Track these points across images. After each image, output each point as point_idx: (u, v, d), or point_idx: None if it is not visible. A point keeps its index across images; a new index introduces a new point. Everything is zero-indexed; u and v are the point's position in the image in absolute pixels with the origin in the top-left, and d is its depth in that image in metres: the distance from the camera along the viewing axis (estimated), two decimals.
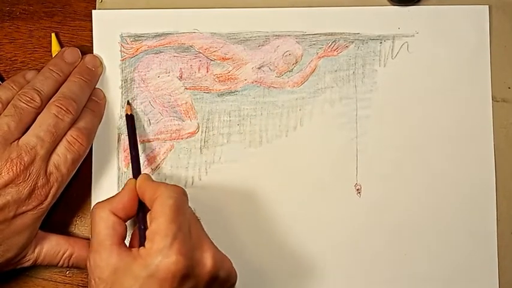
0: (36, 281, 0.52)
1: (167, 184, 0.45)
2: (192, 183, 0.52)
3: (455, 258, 0.52)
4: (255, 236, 0.52)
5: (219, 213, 0.52)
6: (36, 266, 0.51)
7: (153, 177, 0.52)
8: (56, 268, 0.52)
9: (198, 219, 0.45)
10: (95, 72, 0.51)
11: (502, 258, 0.52)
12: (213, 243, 0.44)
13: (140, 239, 0.44)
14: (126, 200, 0.45)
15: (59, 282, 0.52)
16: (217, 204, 0.52)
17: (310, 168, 0.53)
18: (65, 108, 0.47)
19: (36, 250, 0.48)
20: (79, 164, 0.49)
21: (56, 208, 0.51)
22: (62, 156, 0.47)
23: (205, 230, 0.45)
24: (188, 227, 0.43)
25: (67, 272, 0.52)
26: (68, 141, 0.47)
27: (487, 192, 0.53)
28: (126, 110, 0.52)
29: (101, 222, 0.43)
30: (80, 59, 0.51)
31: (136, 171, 0.48)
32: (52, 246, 0.48)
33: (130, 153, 0.49)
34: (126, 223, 0.45)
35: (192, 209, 0.46)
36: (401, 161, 0.53)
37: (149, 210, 0.44)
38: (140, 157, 0.52)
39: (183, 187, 0.50)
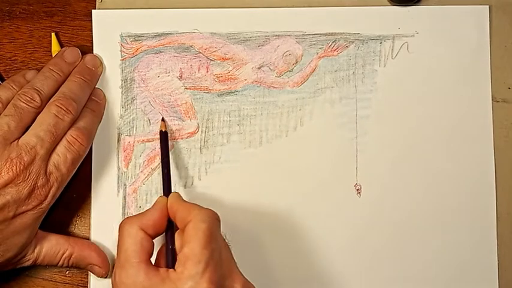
0: (36, 281, 0.52)
1: (200, 207, 0.43)
2: (192, 183, 0.52)
3: (455, 258, 0.52)
4: (255, 236, 0.52)
5: (218, 213, 0.52)
6: (36, 266, 0.51)
7: (153, 177, 0.52)
8: (56, 268, 0.52)
9: (229, 246, 0.44)
10: (95, 72, 0.51)
11: (502, 258, 0.52)
12: (240, 272, 0.43)
13: (167, 258, 0.43)
14: (156, 217, 0.44)
15: (59, 282, 0.52)
16: (217, 204, 0.52)
17: (310, 168, 0.53)
18: (65, 108, 0.47)
19: (36, 250, 0.48)
20: (79, 164, 0.49)
21: (56, 208, 0.51)
22: (62, 156, 0.47)
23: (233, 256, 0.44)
24: (219, 253, 0.42)
25: (67, 272, 0.52)
26: (68, 141, 0.47)
27: (487, 192, 0.53)
28: (160, 127, 0.51)
29: (129, 238, 0.43)
30: (80, 59, 0.51)
31: (167, 188, 0.47)
32: (52, 246, 0.48)
33: (162, 170, 0.48)
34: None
35: (223, 234, 0.45)
36: (401, 161, 0.53)
37: (177, 229, 0.43)
38: (140, 157, 0.52)
39: (183, 187, 0.50)
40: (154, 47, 0.53)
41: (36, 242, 0.48)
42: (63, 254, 0.49)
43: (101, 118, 0.52)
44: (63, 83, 0.49)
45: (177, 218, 0.44)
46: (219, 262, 0.41)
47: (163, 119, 0.52)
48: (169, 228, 0.45)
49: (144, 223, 0.43)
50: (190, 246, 0.41)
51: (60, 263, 0.49)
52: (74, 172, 0.48)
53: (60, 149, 0.47)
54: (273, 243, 0.52)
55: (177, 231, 0.43)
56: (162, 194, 0.47)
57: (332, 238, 0.52)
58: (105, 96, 0.52)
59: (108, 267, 0.50)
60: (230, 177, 0.52)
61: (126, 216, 0.51)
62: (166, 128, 0.51)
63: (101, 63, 0.52)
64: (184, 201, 0.45)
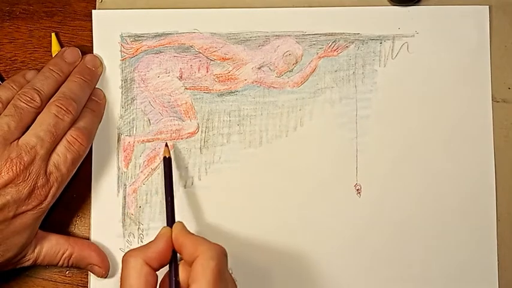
0: (36, 281, 0.52)
1: (208, 242, 0.42)
2: (192, 183, 0.52)
3: (455, 258, 0.52)
4: (255, 236, 0.52)
5: (218, 213, 0.52)
6: (36, 266, 0.51)
7: (153, 177, 0.52)
8: (55, 268, 0.52)
9: (235, 283, 0.44)
10: (95, 72, 0.51)
11: (502, 258, 0.52)
12: None
13: None
14: (161, 249, 0.43)
15: (59, 282, 0.52)
16: (217, 204, 0.52)
17: (310, 168, 0.53)
18: (65, 108, 0.47)
19: (36, 250, 0.48)
20: (79, 164, 0.49)
21: (56, 208, 0.51)
22: (62, 156, 0.47)
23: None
24: None
25: (67, 272, 0.52)
26: (68, 141, 0.47)
27: (487, 192, 0.53)
28: (164, 152, 0.50)
29: (133, 272, 0.42)
30: (80, 59, 0.51)
31: (170, 218, 0.46)
32: (52, 246, 0.48)
33: (166, 198, 0.47)
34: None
35: (230, 270, 0.44)
36: (401, 161, 0.53)
37: (181, 259, 0.43)
38: (140, 157, 0.52)
39: (183, 187, 0.50)
40: (154, 47, 0.53)
41: (36, 242, 0.48)
42: (63, 254, 0.49)
43: (101, 118, 0.52)
44: (63, 83, 0.49)
45: (184, 252, 0.43)
46: None
47: (166, 145, 0.51)
48: (174, 259, 0.44)
49: (149, 256, 0.42)
50: (198, 284, 0.40)
51: (60, 263, 0.49)
52: (74, 172, 0.48)
53: (60, 149, 0.47)
54: (273, 243, 0.52)
55: (181, 262, 0.43)
56: (166, 225, 0.45)
57: (332, 238, 0.52)
58: (105, 96, 0.52)
59: (108, 267, 0.50)
60: (230, 177, 0.52)
61: (126, 217, 0.51)
62: (170, 153, 0.50)
63: (101, 63, 0.52)
64: (190, 233, 0.44)
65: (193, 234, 0.44)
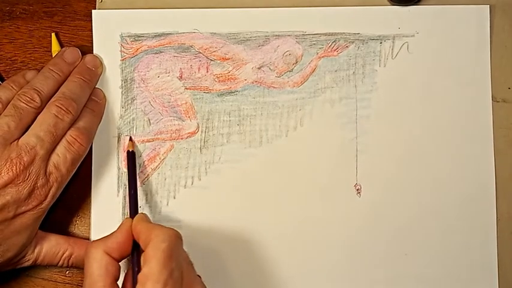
0: (36, 281, 0.52)
1: (162, 227, 0.43)
2: (192, 183, 0.52)
3: (455, 258, 0.52)
4: (255, 235, 0.52)
5: (218, 213, 0.52)
6: (36, 266, 0.51)
7: (153, 177, 0.52)
8: (56, 268, 0.52)
9: (191, 264, 0.44)
10: (95, 72, 0.51)
11: (502, 258, 0.52)
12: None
13: (133, 281, 0.43)
14: (120, 240, 0.44)
15: (59, 282, 0.52)
16: (217, 204, 0.52)
17: (310, 168, 0.53)
18: (64, 108, 0.47)
19: (36, 250, 0.48)
20: (79, 164, 0.49)
21: (56, 208, 0.51)
22: (62, 156, 0.47)
23: (198, 272, 0.44)
24: (180, 272, 0.42)
25: (67, 272, 0.52)
26: (68, 141, 0.47)
27: (487, 192, 0.53)
28: (128, 146, 0.51)
29: (94, 262, 0.43)
30: (80, 59, 0.51)
31: (133, 210, 0.47)
32: (52, 246, 0.48)
33: (129, 191, 0.48)
34: (120, 263, 0.44)
35: (186, 252, 0.44)
36: (401, 161, 0.53)
37: (143, 251, 0.43)
38: (140, 157, 0.52)
39: (183, 187, 0.50)
40: (154, 47, 0.53)
41: (36, 242, 0.48)
42: (63, 254, 0.49)
43: (101, 118, 0.52)
44: (63, 83, 0.49)
45: (141, 239, 0.43)
46: (179, 281, 0.41)
47: (131, 139, 0.52)
48: (135, 250, 0.45)
49: (109, 246, 0.43)
50: (150, 266, 0.40)
51: (60, 263, 0.49)
52: (73, 172, 0.48)
53: (60, 149, 0.47)
54: (273, 243, 0.52)
55: (143, 253, 0.43)
56: (128, 216, 0.47)
57: (332, 238, 0.52)
58: (105, 96, 0.52)
59: None
60: (230, 177, 0.52)
61: (125, 217, 0.51)
62: (133, 147, 0.51)
63: (101, 63, 0.52)
64: (149, 222, 0.45)
65: (150, 222, 0.45)
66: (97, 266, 0.43)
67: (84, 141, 0.48)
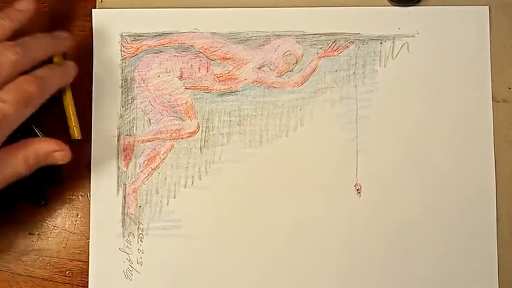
0: (36, 281, 0.52)
1: None
2: (192, 183, 0.52)
3: (455, 258, 0.52)
4: (255, 235, 0.52)
5: (218, 213, 0.52)
6: (36, 266, 0.50)
7: (153, 177, 0.52)
8: (56, 268, 0.52)
9: None
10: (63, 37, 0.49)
11: (502, 258, 0.52)
12: None
13: None
14: None
15: (59, 282, 0.52)
16: (217, 204, 0.52)
17: (310, 168, 0.53)
18: (9, 46, 0.45)
19: None
20: (29, 110, 0.45)
21: (55, 208, 0.51)
22: (8, 95, 0.44)
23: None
24: None
25: (67, 272, 0.52)
26: (18, 81, 0.45)
27: (487, 192, 0.53)
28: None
29: None
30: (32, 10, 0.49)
31: None
32: (2, 162, 0.45)
33: None
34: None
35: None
36: (402, 161, 0.53)
37: None
38: (140, 157, 0.52)
39: (183, 187, 0.50)
40: (154, 46, 0.53)
41: None
42: (19, 164, 0.46)
43: (65, 78, 0.49)
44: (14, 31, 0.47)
45: None
46: None
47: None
48: None
49: None
50: None
51: (24, 172, 0.46)
52: (22, 117, 0.45)
53: (8, 87, 0.44)
54: (273, 243, 0.52)
55: None
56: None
57: (332, 238, 0.52)
58: (74, 65, 0.50)
59: (69, 150, 0.47)
60: (230, 177, 0.52)
61: (125, 216, 0.52)
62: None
63: (69, 35, 0.50)
64: None
65: None
66: None
67: (35, 84, 0.45)
